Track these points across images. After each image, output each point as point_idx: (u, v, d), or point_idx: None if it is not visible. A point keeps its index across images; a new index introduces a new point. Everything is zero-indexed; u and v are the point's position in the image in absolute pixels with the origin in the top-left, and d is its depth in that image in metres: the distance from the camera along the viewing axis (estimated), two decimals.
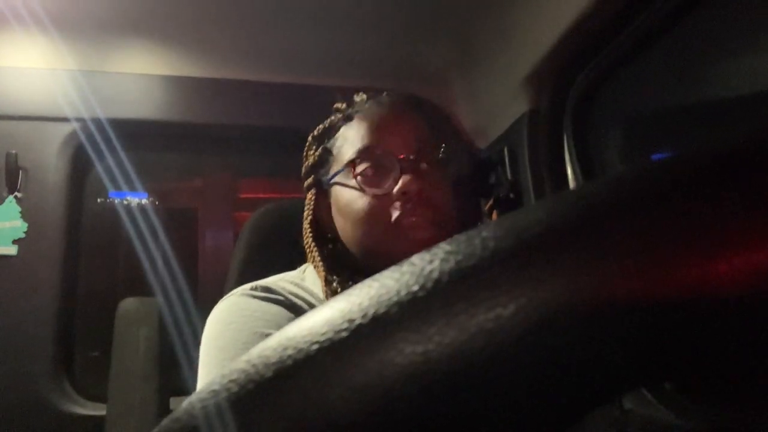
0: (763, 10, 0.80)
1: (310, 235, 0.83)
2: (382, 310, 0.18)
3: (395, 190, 0.74)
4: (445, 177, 0.78)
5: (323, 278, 0.78)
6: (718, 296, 0.16)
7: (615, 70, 1.09)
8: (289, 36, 1.29)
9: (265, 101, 1.43)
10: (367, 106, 0.81)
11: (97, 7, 1.18)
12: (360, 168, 0.77)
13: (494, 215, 1.34)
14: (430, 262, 0.18)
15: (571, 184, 1.19)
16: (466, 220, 0.82)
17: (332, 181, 0.80)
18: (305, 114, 1.46)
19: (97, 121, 1.30)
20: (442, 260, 0.18)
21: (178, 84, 1.39)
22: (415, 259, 0.19)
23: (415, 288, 0.18)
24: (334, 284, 0.77)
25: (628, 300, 0.17)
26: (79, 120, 1.31)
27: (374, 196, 0.75)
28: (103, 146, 1.30)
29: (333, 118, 0.85)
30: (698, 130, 0.96)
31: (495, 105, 1.33)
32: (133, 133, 1.36)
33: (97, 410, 1.23)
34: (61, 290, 1.29)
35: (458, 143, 0.83)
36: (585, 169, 1.17)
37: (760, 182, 0.17)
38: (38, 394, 1.23)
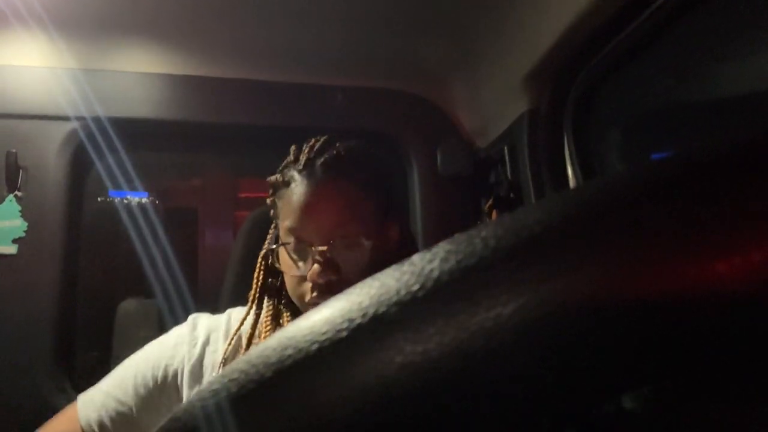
0: (763, 10, 0.80)
1: (260, 266, 0.88)
2: (382, 310, 0.18)
3: (308, 275, 0.77)
4: (362, 258, 0.78)
5: (248, 305, 0.86)
6: (719, 296, 0.16)
7: (615, 70, 1.09)
8: (289, 35, 1.29)
9: (265, 100, 1.43)
10: (301, 175, 0.80)
11: (97, 6, 1.18)
12: (287, 245, 0.81)
13: (494, 215, 1.34)
14: (430, 261, 0.18)
15: (571, 183, 1.19)
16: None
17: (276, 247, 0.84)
18: (306, 113, 1.46)
19: (97, 120, 1.30)
20: (442, 259, 0.18)
21: (179, 83, 1.39)
22: (416, 258, 0.19)
23: (416, 287, 0.18)
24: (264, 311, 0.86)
25: (628, 299, 0.17)
26: (80, 119, 1.31)
27: (294, 276, 0.79)
28: (103, 145, 1.30)
29: (281, 172, 0.85)
30: (698, 130, 0.96)
31: (495, 105, 1.33)
32: (134, 132, 1.36)
33: None
34: (61, 289, 1.29)
35: (392, 205, 0.85)
36: (585, 169, 1.17)
37: (759, 182, 0.17)
38: (38, 393, 1.23)
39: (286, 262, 0.81)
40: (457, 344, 0.17)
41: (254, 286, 0.88)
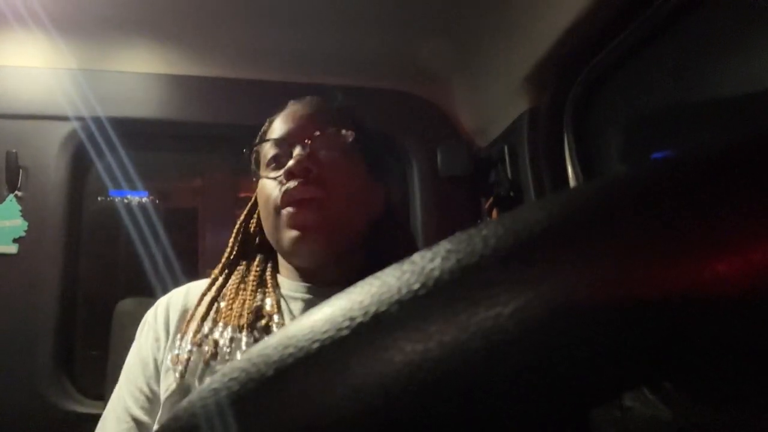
0: (763, 10, 0.80)
1: (234, 237, 0.86)
2: (383, 309, 0.18)
3: (286, 167, 0.75)
4: (344, 159, 0.78)
5: (219, 269, 0.83)
6: (718, 295, 0.16)
7: (615, 70, 1.09)
8: (289, 35, 1.29)
9: (265, 100, 1.42)
10: (289, 105, 0.85)
11: (96, 6, 1.18)
12: (266, 157, 0.81)
13: (494, 214, 1.34)
14: (431, 260, 0.18)
15: (571, 183, 1.19)
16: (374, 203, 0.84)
17: (256, 175, 0.83)
18: None
19: (97, 120, 1.30)
20: (443, 258, 0.18)
21: (178, 83, 1.39)
22: (417, 257, 0.19)
23: (416, 286, 0.18)
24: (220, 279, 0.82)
25: (629, 299, 0.17)
26: (79, 119, 1.31)
27: (272, 180, 0.77)
28: (103, 145, 1.30)
29: (267, 121, 0.88)
30: (698, 130, 0.96)
31: (495, 104, 1.33)
32: (133, 132, 1.36)
33: (95, 408, 1.23)
34: (62, 289, 1.29)
35: (368, 139, 0.84)
36: (585, 169, 1.17)
37: (759, 181, 0.17)
38: (38, 392, 1.23)
39: (264, 189, 0.79)
40: (457, 343, 0.17)
41: (228, 250, 0.85)
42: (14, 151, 1.29)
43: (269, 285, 0.79)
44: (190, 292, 0.83)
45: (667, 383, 0.19)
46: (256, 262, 0.83)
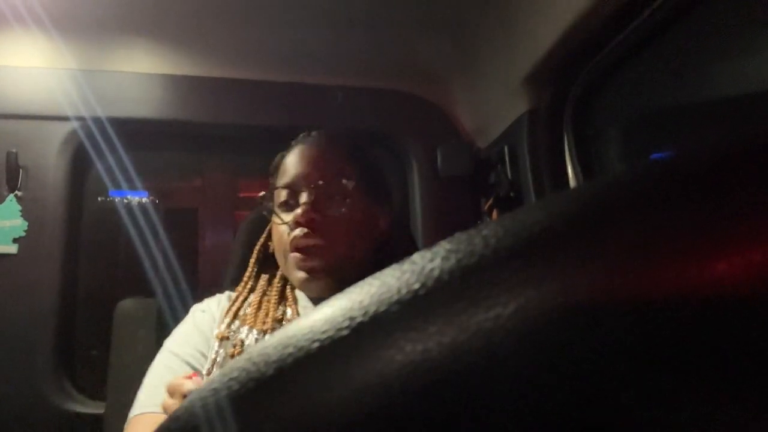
0: (762, 10, 0.80)
1: (255, 256, 0.94)
2: (383, 309, 0.18)
3: (293, 216, 0.83)
4: (345, 208, 0.84)
5: (244, 282, 0.91)
6: (718, 295, 0.16)
7: (615, 70, 1.09)
8: (289, 35, 1.29)
9: (265, 100, 1.43)
10: (299, 143, 0.91)
11: (96, 6, 1.18)
12: (279, 198, 0.88)
13: (494, 214, 1.34)
14: (431, 260, 0.18)
15: (571, 183, 1.19)
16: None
17: (269, 213, 0.91)
18: (305, 113, 1.46)
19: (97, 120, 1.30)
20: (443, 258, 0.18)
21: (178, 83, 1.39)
22: (417, 257, 0.19)
23: (416, 286, 0.18)
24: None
25: (629, 300, 0.17)
26: (79, 119, 1.31)
27: (283, 224, 0.85)
28: (103, 145, 1.30)
29: (279, 156, 0.94)
30: (698, 130, 0.96)
31: (495, 105, 1.33)
32: (133, 132, 1.36)
33: (96, 408, 1.23)
34: (61, 289, 1.29)
35: (371, 172, 0.91)
36: (585, 169, 1.17)
37: (760, 181, 0.17)
38: (38, 392, 1.23)
39: (277, 229, 0.87)
40: (457, 344, 0.17)
41: (249, 269, 0.93)
42: (14, 151, 1.29)
43: (290, 298, 0.88)
44: (221, 300, 0.92)
45: (667, 383, 0.19)
46: (276, 279, 0.92)
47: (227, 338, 0.82)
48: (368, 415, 0.17)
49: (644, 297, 0.17)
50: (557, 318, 0.17)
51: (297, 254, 0.82)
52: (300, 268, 0.83)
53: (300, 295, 0.89)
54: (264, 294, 0.89)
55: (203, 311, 0.89)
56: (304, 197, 0.83)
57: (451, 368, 0.17)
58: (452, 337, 0.17)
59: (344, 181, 0.85)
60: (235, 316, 0.86)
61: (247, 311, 0.87)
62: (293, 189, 0.86)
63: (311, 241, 0.82)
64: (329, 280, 0.83)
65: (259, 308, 0.86)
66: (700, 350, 0.17)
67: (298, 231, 0.82)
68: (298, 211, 0.82)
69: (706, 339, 0.17)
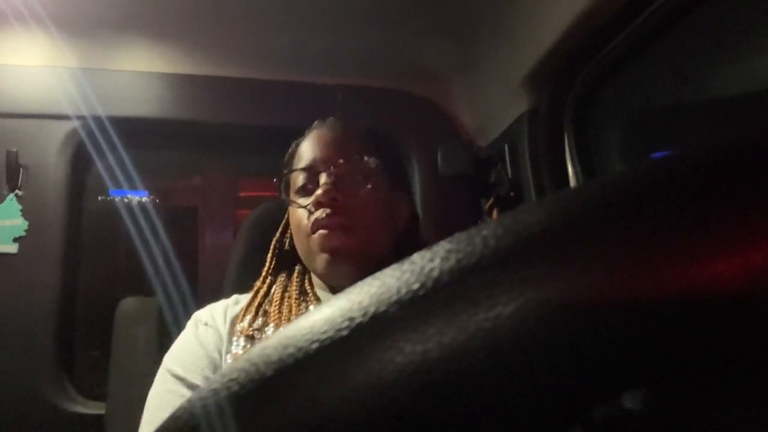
0: (763, 10, 0.80)
1: (272, 251, 0.91)
2: (382, 309, 0.18)
3: (314, 197, 0.80)
4: (369, 186, 0.82)
5: (262, 278, 0.88)
6: (719, 296, 0.16)
7: (615, 70, 1.08)
8: (289, 34, 1.29)
9: (265, 99, 1.43)
10: (315, 129, 0.89)
11: (97, 5, 1.18)
12: (296, 184, 0.85)
13: (495, 214, 1.34)
14: (431, 260, 0.18)
15: (571, 183, 1.19)
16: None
17: (288, 200, 0.88)
18: (306, 112, 1.45)
19: (97, 119, 1.30)
20: (443, 259, 0.18)
21: (179, 82, 1.39)
22: (416, 257, 0.19)
23: (416, 286, 0.18)
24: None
25: (629, 299, 0.17)
26: (80, 118, 1.31)
27: (302, 208, 0.82)
28: (103, 144, 1.30)
29: (294, 144, 0.91)
30: (698, 130, 0.96)
31: (495, 105, 1.33)
32: (134, 131, 1.36)
33: (96, 409, 1.23)
34: (62, 288, 1.29)
35: (391, 158, 0.89)
36: (585, 169, 1.17)
37: (760, 181, 0.17)
38: (38, 393, 1.23)
39: (295, 214, 0.83)
40: (457, 344, 0.17)
41: (267, 264, 0.90)
42: (14, 150, 1.29)
43: (311, 295, 0.85)
44: (229, 306, 0.88)
45: (667, 383, 0.19)
46: (295, 274, 0.88)
47: (252, 336, 0.79)
48: (368, 416, 0.17)
49: (644, 297, 0.17)
50: (557, 318, 0.17)
51: (321, 231, 0.78)
52: (323, 250, 0.78)
53: (320, 293, 0.85)
54: (285, 290, 0.86)
55: (207, 325, 0.84)
56: (323, 178, 0.80)
57: (450, 368, 0.17)
58: (452, 338, 0.17)
59: (366, 158, 0.82)
60: (257, 312, 0.83)
61: (268, 308, 0.84)
62: (312, 172, 0.82)
63: (334, 220, 0.78)
64: (352, 268, 0.79)
65: (281, 305, 0.83)
66: (699, 350, 0.17)
67: (319, 212, 0.78)
68: (319, 191, 0.78)
69: (705, 338, 0.17)
